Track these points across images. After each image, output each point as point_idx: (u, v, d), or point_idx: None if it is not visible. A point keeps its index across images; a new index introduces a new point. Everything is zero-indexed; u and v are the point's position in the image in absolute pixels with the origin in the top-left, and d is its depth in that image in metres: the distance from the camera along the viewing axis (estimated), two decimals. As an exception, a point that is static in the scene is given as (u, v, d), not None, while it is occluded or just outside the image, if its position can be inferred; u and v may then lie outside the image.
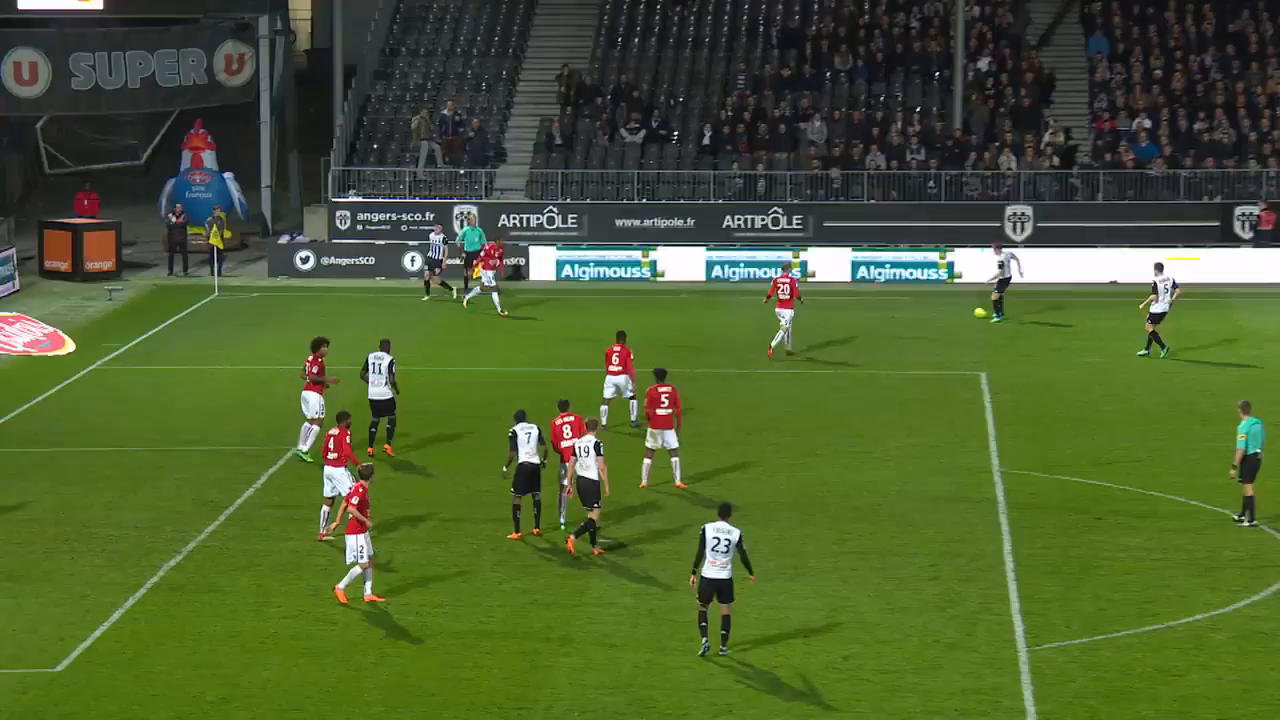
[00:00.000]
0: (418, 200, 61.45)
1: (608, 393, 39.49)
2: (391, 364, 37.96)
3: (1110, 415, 42.05)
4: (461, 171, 62.19)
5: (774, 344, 46.36)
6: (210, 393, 45.33)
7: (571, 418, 33.39)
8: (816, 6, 67.07)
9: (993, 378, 45.35)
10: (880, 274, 57.98)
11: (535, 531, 32.87)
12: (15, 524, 34.58)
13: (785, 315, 46.28)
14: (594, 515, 32.28)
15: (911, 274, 57.95)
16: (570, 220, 60.27)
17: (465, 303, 54.05)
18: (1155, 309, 47.14)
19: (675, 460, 35.83)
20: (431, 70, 66.23)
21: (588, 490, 32.30)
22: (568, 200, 60.99)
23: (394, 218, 61.08)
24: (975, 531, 33.74)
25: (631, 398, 39.59)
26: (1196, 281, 56.84)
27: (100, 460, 39.04)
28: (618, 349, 39.61)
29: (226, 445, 40.07)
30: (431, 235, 56.35)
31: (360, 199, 61.62)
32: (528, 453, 32.37)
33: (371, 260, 60.00)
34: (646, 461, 35.88)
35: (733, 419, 40.82)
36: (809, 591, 30.74)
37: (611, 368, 39.52)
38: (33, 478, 37.63)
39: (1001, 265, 51.50)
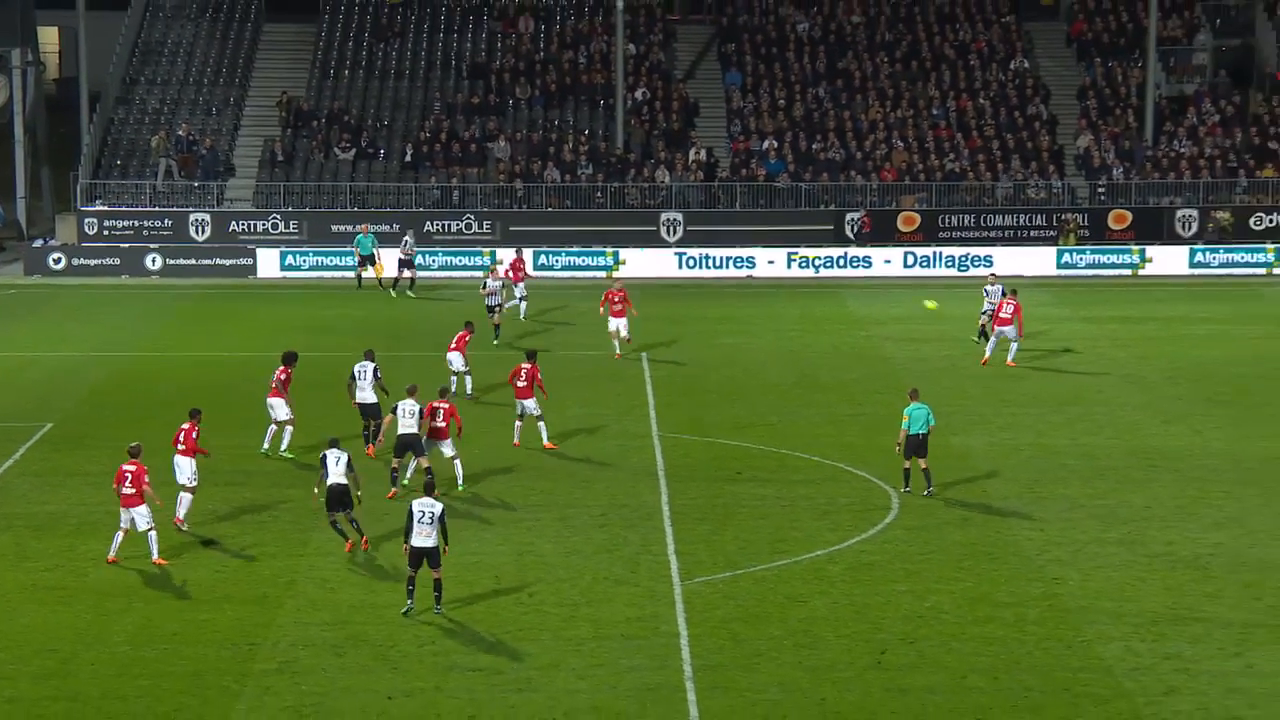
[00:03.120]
0: (157, 209, 60.14)
1: (450, 366, 40.07)
2: (376, 370, 35.70)
3: (747, 386, 42.56)
4: (196, 184, 60.88)
5: (618, 348, 44.95)
6: (-27, 377, 43.74)
7: (447, 404, 33.19)
8: (500, 44, 66.96)
9: (651, 357, 45.73)
10: (556, 263, 58.12)
11: (364, 544, 29.81)
12: None
13: (617, 323, 44.58)
14: (422, 460, 32.63)
15: (584, 269, 58.26)
16: (292, 225, 59.35)
17: (521, 314, 50.55)
18: (987, 305, 45.55)
19: (541, 424, 36.04)
20: (168, 96, 64.69)
21: (413, 443, 32.55)
22: (290, 209, 60.07)
23: (136, 224, 59.59)
24: (638, 485, 33.94)
25: (466, 372, 40.00)
26: (815, 276, 58.22)
27: (-127, 438, 37.40)
28: (461, 332, 40.25)
29: (-12, 423, 38.70)
30: (407, 239, 55.06)
31: (106, 208, 60.01)
32: (336, 474, 29.56)
33: (117, 261, 58.42)
34: (517, 423, 36.21)
35: (433, 396, 40.51)
36: (499, 539, 30.68)
37: (451, 344, 40.09)
38: None
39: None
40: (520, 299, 50.86)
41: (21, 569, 28.99)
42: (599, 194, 60.97)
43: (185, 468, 31.13)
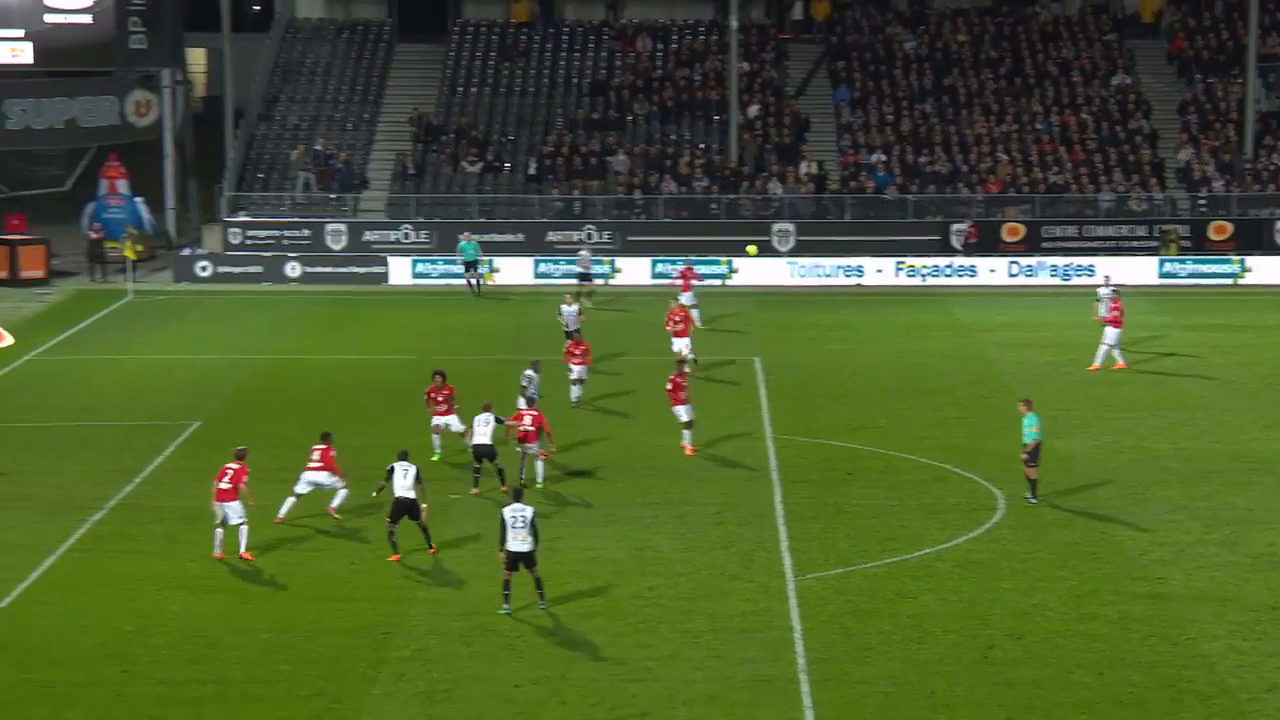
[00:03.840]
0: (296, 219, 60.67)
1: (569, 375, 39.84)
2: (537, 381, 35.53)
3: (857, 390, 42.32)
4: (332, 196, 61.46)
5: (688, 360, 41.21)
6: (125, 378, 44.41)
7: (535, 412, 33.34)
8: (619, 62, 67.04)
9: (765, 362, 45.60)
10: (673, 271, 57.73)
11: (431, 550, 29.54)
12: (-37, 488, 33.69)
13: (680, 343, 42.52)
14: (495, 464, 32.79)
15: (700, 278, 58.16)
16: (422, 235, 59.77)
17: (697, 322, 48.41)
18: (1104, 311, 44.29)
19: (686, 432, 35.81)
20: (306, 113, 65.36)
21: (488, 453, 32.70)
22: (420, 219, 60.49)
23: (277, 234, 60.22)
24: (752, 484, 33.87)
25: (578, 380, 39.72)
26: (922, 284, 57.77)
27: (34, 434, 38.11)
28: (572, 345, 40.26)
29: (139, 421, 39.26)
30: (581, 253, 54.78)
31: (249, 218, 60.69)
32: (404, 488, 29.08)
33: (259, 269, 59.07)
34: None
35: (559, 398, 40.58)
36: (619, 535, 30.72)
37: (572, 360, 39.90)
38: (-23, 449, 36.69)
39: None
40: (692, 307, 48.99)
41: (172, 559, 29.41)
42: (714, 205, 60.86)
43: (324, 478, 31.21)
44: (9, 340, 39.39)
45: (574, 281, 54.66)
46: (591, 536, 30.38)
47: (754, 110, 64.38)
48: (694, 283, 50.10)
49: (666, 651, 25.32)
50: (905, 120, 63.80)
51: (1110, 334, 43.76)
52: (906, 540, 30.30)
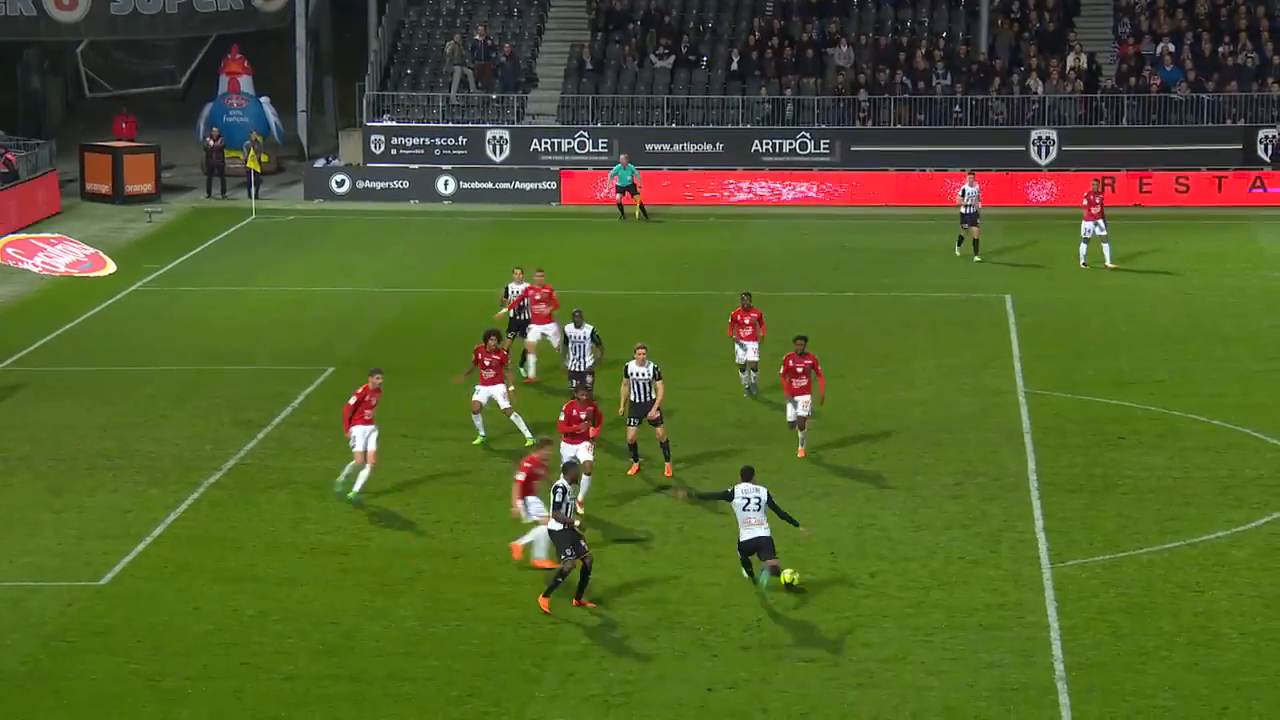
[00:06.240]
0: (451, 125, 61.32)
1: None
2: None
3: (1132, 336, 41.92)
4: (493, 96, 62.01)
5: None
6: (247, 313, 45.37)
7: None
8: (843, -68, 66.60)
9: (1017, 300, 45.19)
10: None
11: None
12: (58, 442, 34.70)
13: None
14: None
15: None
16: (601, 144, 60.02)
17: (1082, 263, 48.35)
18: None
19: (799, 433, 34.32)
20: (464, -5, 65.96)
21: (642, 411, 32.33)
22: (598, 125, 60.77)
23: (427, 142, 60.94)
24: (999, 451, 33.66)
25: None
26: (1218, 204, 56.71)
27: (141, 379, 39.13)
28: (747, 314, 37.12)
29: (264, 365, 40.10)
30: (968, 186, 49.94)
31: (394, 123, 61.49)
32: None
33: (405, 184, 59.90)
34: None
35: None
36: (836, 510, 30.70)
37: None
38: (75, 397, 37.75)
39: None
40: (1102, 239, 47.95)
41: (300, 531, 29.99)
42: (957, 108, 60.30)
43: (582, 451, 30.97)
44: (111, 267, 40.39)
45: (957, 222, 50.22)
46: (802, 511, 30.25)
47: (1009, -11, 63.59)
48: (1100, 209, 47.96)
49: (892, 652, 25.28)
50: (1202, 0, 62.50)
51: None
52: (1193, 521, 29.89)
